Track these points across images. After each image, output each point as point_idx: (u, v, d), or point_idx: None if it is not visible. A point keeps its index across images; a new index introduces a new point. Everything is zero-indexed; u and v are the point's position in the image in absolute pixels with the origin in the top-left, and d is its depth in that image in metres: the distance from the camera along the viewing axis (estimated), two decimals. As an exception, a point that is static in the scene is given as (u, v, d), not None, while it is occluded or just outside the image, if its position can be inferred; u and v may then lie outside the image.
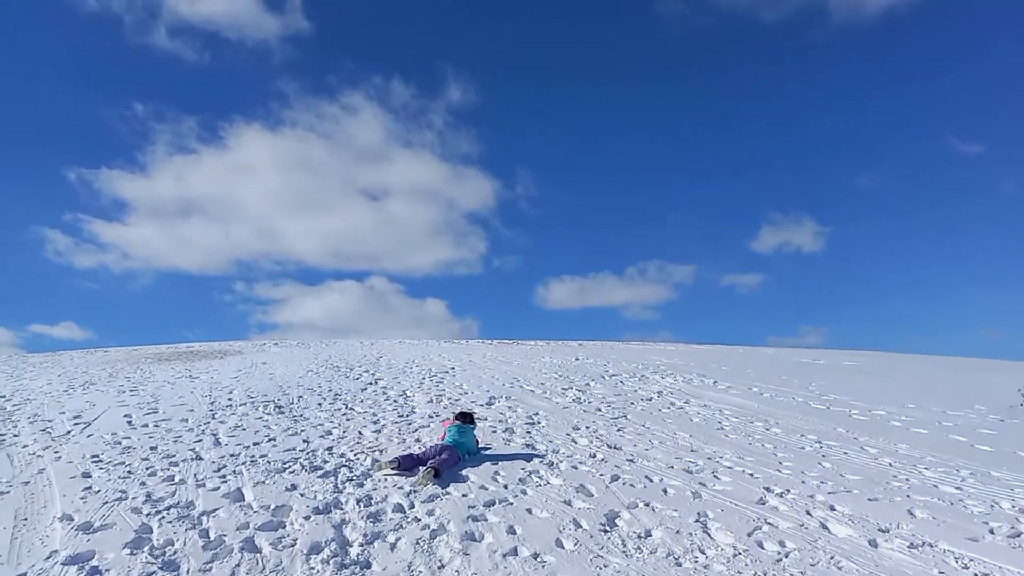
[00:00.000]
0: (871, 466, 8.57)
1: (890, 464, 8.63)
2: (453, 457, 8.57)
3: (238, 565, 5.99)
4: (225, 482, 8.00)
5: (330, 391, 13.94)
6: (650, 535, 6.48)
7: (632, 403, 13.07)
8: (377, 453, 9.25)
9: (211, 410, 11.99)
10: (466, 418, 9.49)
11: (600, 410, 12.31)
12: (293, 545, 6.42)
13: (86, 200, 65.03)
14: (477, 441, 9.52)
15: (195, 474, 8.24)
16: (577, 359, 20.09)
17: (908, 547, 5.96)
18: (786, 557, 5.91)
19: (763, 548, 6.12)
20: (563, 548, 6.25)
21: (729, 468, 8.52)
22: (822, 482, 7.87)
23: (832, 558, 5.85)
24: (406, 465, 8.30)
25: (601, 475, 8.28)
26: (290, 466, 8.57)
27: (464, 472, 8.40)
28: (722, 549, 6.12)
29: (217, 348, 24.86)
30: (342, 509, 7.25)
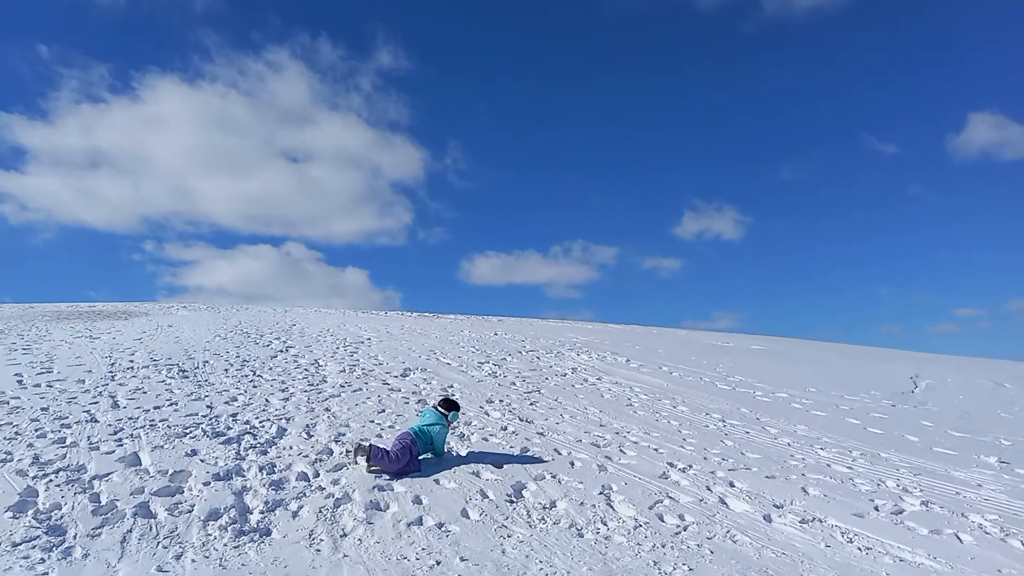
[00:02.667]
0: (770, 445, 8.88)
1: (788, 444, 8.97)
2: (406, 453, 7.28)
3: (130, 531, 5.77)
4: (121, 446, 7.67)
5: (238, 357, 13.53)
6: (555, 506, 6.55)
7: (546, 378, 13.18)
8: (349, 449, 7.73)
9: (110, 372, 11.47)
10: (450, 405, 8.09)
11: (515, 384, 12.36)
12: (190, 511, 6.22)
13: (-22, 145, 60.96)
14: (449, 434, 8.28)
15: (89, 437, 7.87)
16: (496, 334, 20.12)
17: (799, 522, 6.21)
18: (684, 530, 6.07)
19: (663, 521, 6.27)
20: (468, 518, 6.25)
21: (635, 443, 8.69)
22: (723, 459, 8.11)
23: (728, 532, 6.03)
24: (374, 455, 7.21)
25: (511, 447, 8.31)
26: (191, 431, 8.28)
27: (372, 442, 8.29)
28: (624, 521, 6.24)
29: (122, 309, 23.82)
30: (243, 476, 7.06)
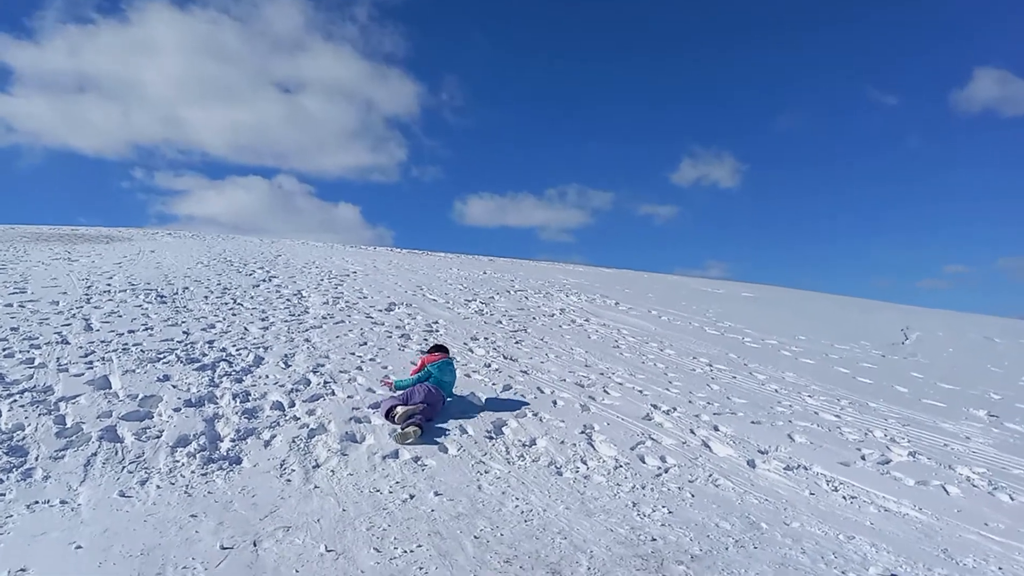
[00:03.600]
0: (757, 391, 8.73)
1: (776, 390, 8.83)
2: (438, 404, 6.93)
3: (95, 454, 5.59)
4: (91, 368, 7.46)
5: (219, 284, 13.24)
6: (535, 444, 6.39)
7: (534, 318, 12.98)
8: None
9: (86, 294, 11.19)
10: (447, 352, 7.73)
11: (501, 323, 12.16)
12: (158, 437, 6.04)
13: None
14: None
15: (58, 359, 7.65)
16: (485, 273, 19.86)
17: (784, 469, 6.07)
18: (666, 472, 5.92)
19: (644, 462, 6.12)
20: (446, 453, 6.08)
21: (620, 384, 8.53)
22: (708, 403, 7.95)
23: (710, 475, 5.89)
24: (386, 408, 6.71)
25: (493, 384, 8.13)
26: (165, 356, 8.06)
27: (351, 374, 8.09)
28: (604, 461, 6.09)
29: (105, 233, 23.39)
30: (216, 403, 6.87)
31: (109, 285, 12.18)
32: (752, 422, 7.35)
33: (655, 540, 4.62)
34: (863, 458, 6.38)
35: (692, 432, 6.94)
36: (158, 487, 5.19)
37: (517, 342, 10.65)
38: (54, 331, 8.74)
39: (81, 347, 8.15)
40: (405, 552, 4.28)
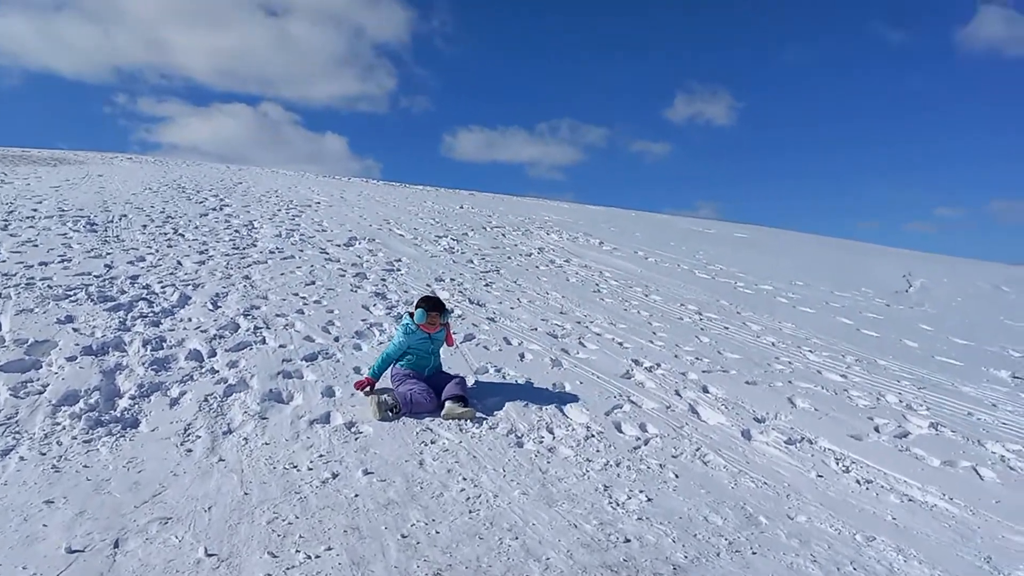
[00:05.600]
0: (752, 344, 7.78)
1: (773, 344, 7.87)
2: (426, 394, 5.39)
3: (-50, 413, 4.60)
4: (-20, 307, 6.38)
5: (162, 212, 12.03)
6: (494, 407, 5.41)
7: (509, 257, 11.91)
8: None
9: (5, 220, 10.00)
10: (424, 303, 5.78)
11: (472, 262, 11.09)
12: (40, 392, 5.02)
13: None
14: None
15: (-56, 294, 6.56)
16: (461, 207, 18.64)
17: (785, 442, 5.13)
18: (646, 444, 4.97)
19: (621, 431, 5.17)
20: (386, 419, 5.09)
21: (598, 335, 7.54)
22: (697, 358, 6.99)
23: (698, 449, 4.95)
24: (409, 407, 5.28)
25: (453, 333, 7.12)
26: (75, 293, 6.99)
27: (289, 319, 7.06)
28: (573, 429, 5.13)
29: (57, 156, 21.89)
30: (123, 351, 5.85)
31: (35, 211, 10.97)
32: (747, 382, 6.40)
33: (629, 542, 3.66)
34: (876, 430, 5.44)
35: (678, 394, 5.98)
36: (21, 459, 4.19)
37: (487, 284, 9.60)
38: (-50, 262, 7.62)
39: (-23, 281, 7.05)
40: (307, 559, 3.31)
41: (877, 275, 15.12)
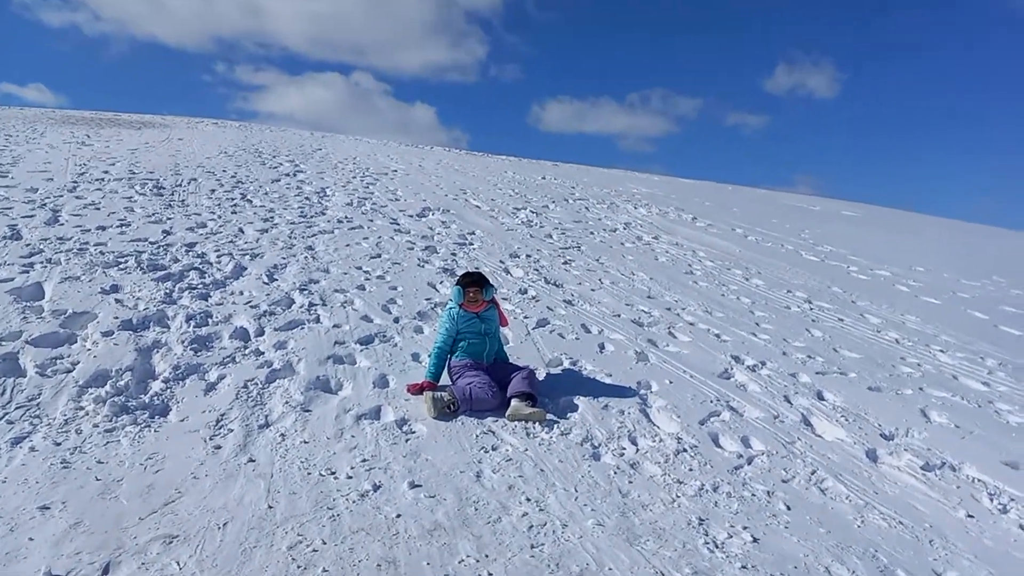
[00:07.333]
0: (873, 341, 6.75)
1: (897, 341, 6.82)
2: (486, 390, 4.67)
3: (-28, 391, 4.18)
4: (26, 272, 6.05)
5: (233, 177, 11.68)
6: (568, 408, 4.66)
7: (591, 232, 11.05)
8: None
9: (74, 182, 9.80)
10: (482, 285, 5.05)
11: (551, 237, 10.29)
12: (69, 371, 4.56)
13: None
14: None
15: (-7, 257, 6.25)
16: (544, 178, 17.78)
17: (921, 468, 4.19)
18: (749, 464, 4.12)
19: (719, 446, 4.33)
20: (444, 417, 4.41)
21: (691, 325, 6.66)
22: (809, 357, 6.04)
23: (814, 472, 4.06)
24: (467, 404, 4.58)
25: (525, 318, 6.40)
26: (125, 261, 6.60)
27: (348, 295, 6.47)
28: (661, 440, 4.32)
29: (146, 120, 22.13)
30: (165, 326, 5.37)
31: (106, 173, 10.77)
32: (869, 388, 5.44)
33: (732, 604, 2.86)
34: (1039, 457, 4.42)
35: (787, 400, 5.08)
36: (32, 450, 3.71)
37: (566, 262, 8.79)
38: (8, 223, 7.34)
39: (30, 244, 6.74)
40: (325, 607, 2.65)
41: (1010, 261, 13.51)
